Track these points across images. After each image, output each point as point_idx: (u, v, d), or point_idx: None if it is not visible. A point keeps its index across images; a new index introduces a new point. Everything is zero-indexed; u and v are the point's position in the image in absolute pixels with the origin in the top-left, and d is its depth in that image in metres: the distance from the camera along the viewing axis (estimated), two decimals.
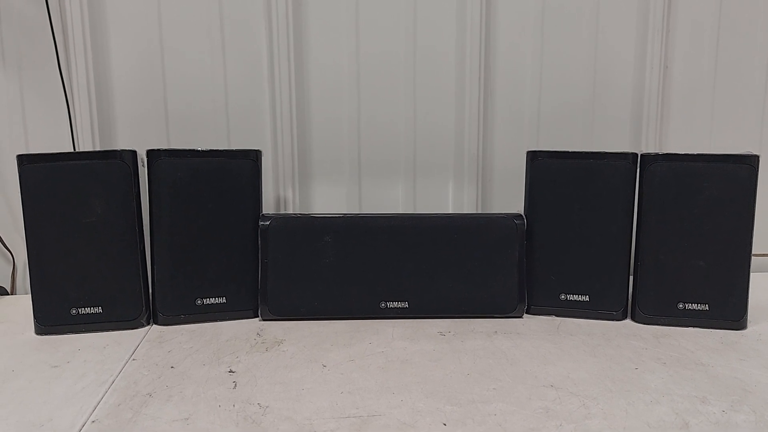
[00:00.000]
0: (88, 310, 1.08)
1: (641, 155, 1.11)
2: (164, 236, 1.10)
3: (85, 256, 1.07)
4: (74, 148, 1.30)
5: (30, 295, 1.07)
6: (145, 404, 0.81)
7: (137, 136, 1.33)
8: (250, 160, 1.13)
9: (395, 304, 1.14)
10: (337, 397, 0.82)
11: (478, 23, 1.35)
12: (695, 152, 1.09)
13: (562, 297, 1.15)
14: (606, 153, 1.12)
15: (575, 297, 1.15)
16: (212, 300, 1.12)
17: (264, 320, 1.13)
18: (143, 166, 1.10)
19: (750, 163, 1.07)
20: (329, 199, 1.41)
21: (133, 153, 1.08)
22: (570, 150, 1.14)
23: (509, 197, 1.43)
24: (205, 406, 0.80)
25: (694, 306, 1.10)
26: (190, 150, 1.10)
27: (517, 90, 1.41)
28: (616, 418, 0.76)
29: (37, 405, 0.82)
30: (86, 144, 1.30)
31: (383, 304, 1.14)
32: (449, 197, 1.43)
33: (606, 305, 1.14)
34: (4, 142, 1.31)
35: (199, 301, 1.12)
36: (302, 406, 0.80)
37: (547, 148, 1.17)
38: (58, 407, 0.81)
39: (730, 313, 1.09)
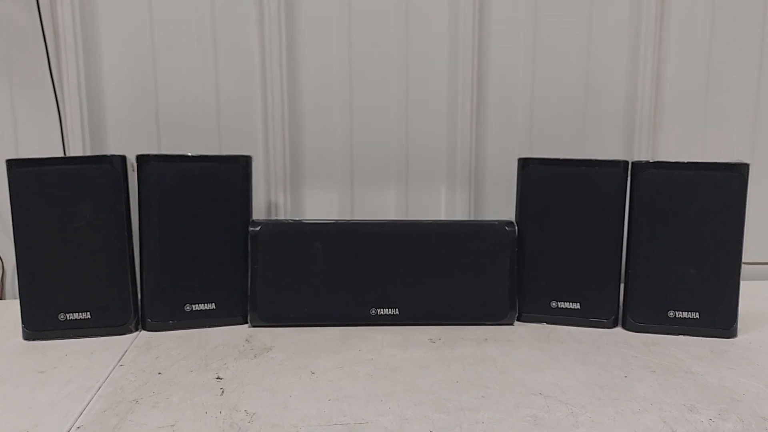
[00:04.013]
0: (76, 315, 1.07)
1: (632, 163, 1.12)
2: (153, 241, 1.10)
3: (74, 262, 1.06)
4: (65, 153, 1.30)
5: (18, 300, 1.07)
6: (131, 411, 0.81)
7: (128, 141, 1.33)
8: (240, 165, 1.13)
9: (386, 311, 1.13)
10: (325, 405, 0.82)
11: (470, 30, 1.36)
12: (686, 160, 1.09)
13: (553, 304, 1.15)
14: (597, 160, 1.13)
15: (566, 304, 1.15)
16: (201, 306, 1.12)
17: (253, 326, 1.13)
18: (133, 171, 1.10)
19: (740, 171, 1.07)
20: (321, 204, 1.41)
21: (123, 158, 1.08)
22: (562, 157, 1.14)
23: (502, 203, 1.42)
24: (191, 413, 0.80)
25: (685, 314, 1.10)
26: (179, 155, 1.10)
27: (509, 96, 1.41)
28: (603, 427, 0.76)
29: (23, 411, 0.81)
30: (77, 148, 1.30)
31: (374, 311, 1.13)
32: (441, 203, 1.43)
33: (597, 313, 1.14)
34: None
35: (188, 307, 1.11)
36: (289, 414, 0.80)
37: (540, 155, 1.18)
38: (44, 413, 0.81)
39: (720, 321, 1.09)
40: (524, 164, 1.15)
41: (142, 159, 1.09)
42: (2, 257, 1.34)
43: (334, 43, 1.36)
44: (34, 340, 1.06)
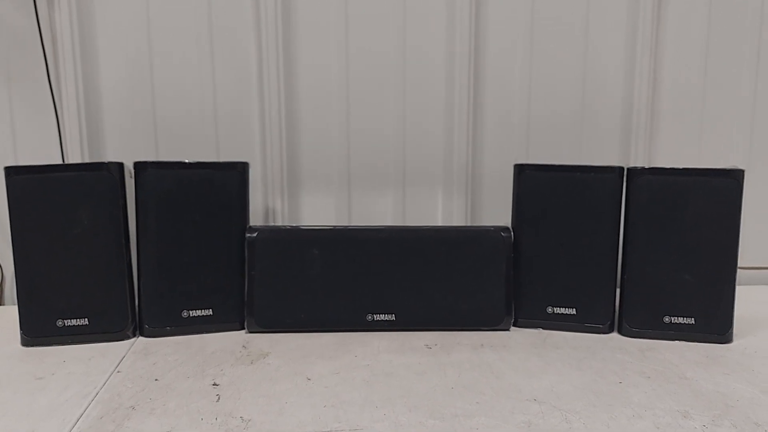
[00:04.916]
0: (74, 321, 1.07)
1: (628, 169, 1.12)
2: (151, 248, 1.10)
3: (72, 268, 1.07)
4: (63, 159, 1.30)
5: (17, 306, 1.07)
6: (128, 417, 0.81)
7: (126, 147, 1.33)
8: (237, 172, 1.13)
9: (382, 316, 1.14)
10: (320, 411, 0.82)
11: (467, 35, 1.36)
12: (683, 165, 1.09)
13: (549, 310, 1.15)
14: (593, 166, 1.13)
15: (562, 310, 1.15)
16: (198, 312, 1.12)
17: (250, 332, 1.13)
18: (131, 177, 1.10)
19: (735, 177, 1.08)
20: (318, 210, 1.41)
21: (120, 165, 1.08)
22: (558, 162, 1.15)
23: (499, 207, 1.43)
24: (187, 419, 0.80)
25: (680, 319, 1.10)
26: (177, 162, 1.11)
27: (506, 101, 1.41)
28: None
29: (21, 416, 0.82)
30: (75, 155, 1.30)
31: (370, 317, 1.13)
32: (438, 208, 1.43)
33: (593, 318, 1.14)
34: None
35: (185, 313, 1.12)
36: (284, 420, 0.80)
37: (536, 160, 1.18)
38: (41, 419, 0.81)
39: (716, 326, 1.09)
40: (520, 170, 1.16)
41: (139, 166, 1.09)
42: (1, 264, 1.35)
43: (331, 49, 1.37)
44: (32, 346, 1.07)
